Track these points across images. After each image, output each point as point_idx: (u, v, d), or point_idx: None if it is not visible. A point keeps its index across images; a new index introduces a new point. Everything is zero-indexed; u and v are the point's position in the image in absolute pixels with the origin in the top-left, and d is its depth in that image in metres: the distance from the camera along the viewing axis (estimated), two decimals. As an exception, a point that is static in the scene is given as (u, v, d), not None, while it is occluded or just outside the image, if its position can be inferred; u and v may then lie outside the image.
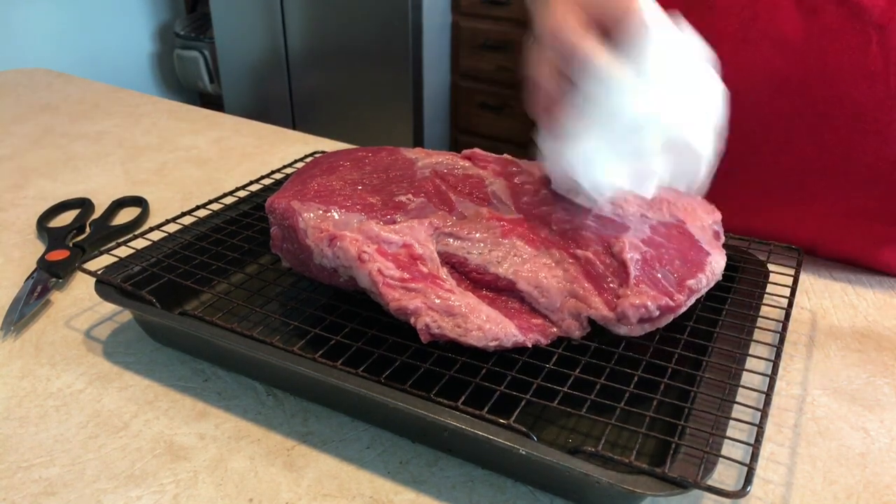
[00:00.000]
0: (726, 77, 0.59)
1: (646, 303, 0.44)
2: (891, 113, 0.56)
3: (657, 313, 0.44)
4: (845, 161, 0.60)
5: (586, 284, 0.46)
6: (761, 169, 0.62)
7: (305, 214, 0.49)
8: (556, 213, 0.50)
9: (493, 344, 0.43)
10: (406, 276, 0.45)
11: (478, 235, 0.49)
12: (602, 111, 0.42)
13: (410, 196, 0.52)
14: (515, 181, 0.55)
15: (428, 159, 0.57)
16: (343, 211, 0.49)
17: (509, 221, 0.50)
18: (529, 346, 0.44)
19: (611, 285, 0.45)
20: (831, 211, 0.62)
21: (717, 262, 0.48)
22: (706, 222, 0.52)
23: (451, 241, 0.49)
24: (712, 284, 0.48)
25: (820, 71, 0.58)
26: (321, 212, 0.49)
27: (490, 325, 0.43)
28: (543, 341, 0.45)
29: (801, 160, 0.61)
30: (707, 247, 0.49)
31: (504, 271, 0.47)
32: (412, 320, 0.44)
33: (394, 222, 0.49)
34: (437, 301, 0.44)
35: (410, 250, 0.48)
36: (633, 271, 0.45)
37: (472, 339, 0.42)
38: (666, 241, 0.48)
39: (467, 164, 0.58)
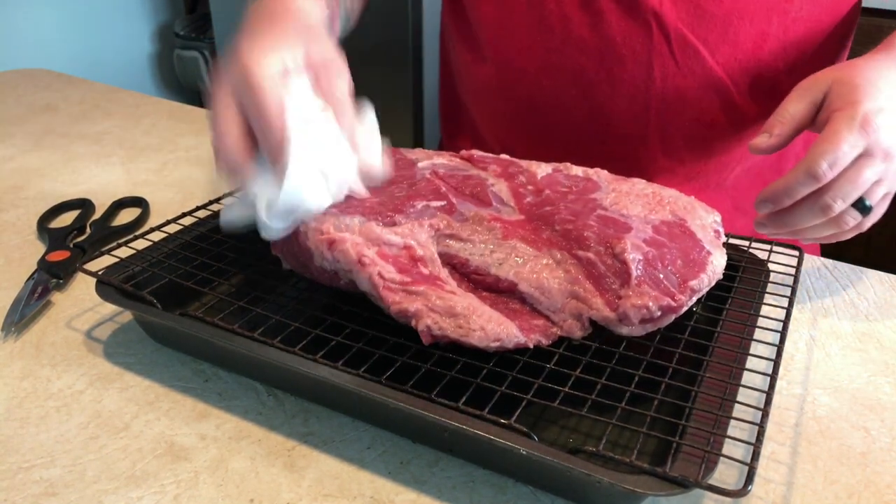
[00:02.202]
0: (549, 82, 0.69)
1: (647, 303, 0.44)
2: (685, 80, 0.66)
3: (658, 314, 0.44)
4: (661, 133, 0.69)
5: (588, 285, 0.46)
6: (589, 156, 0.70)
7: None
8: (558, 214, 0.50)
9: (494, 344, 0.43)
10: (407, 278, 0.45)
11: (479, 237, 0.49)
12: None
13: (411, 197, 0.52)
14: (517, 181, 0.55)
15: (428, 160, 0.57)
16: (343, 213, 0.49)
17: (510, 223, 0.50)
18: (531, 346, 0.44)
19: (612, 286, 0.45)
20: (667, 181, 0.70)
21: (718, 262, 0.48)
22: (706, 221, 0.52)
23: (452, 242, 0.49)
24: (713, 284, 0.48)
25: (619, 62, 0.66)
26: (321, 213, 0.49)
27: (492, 326, 0.43)
28: (545, 342, 0.45)
29: (630, 142, 0.70)
30: (708, 246, 0.49)
31: (505, 273, 0.47)
32: (413, 322, 0.44)
33: (394, 224, 0.49)
34: (439, 302, 0.44)
35: (411, 252, 0.48)
36: (635, 272, 0.45)
37: (475, 339, 0.42)
38: (668, 240, 0.48)
39: (468, 164, 0.57)
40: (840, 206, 0.48)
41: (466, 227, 0.50)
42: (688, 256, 0.47)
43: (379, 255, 0.46)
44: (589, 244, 0.47)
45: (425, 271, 0.47)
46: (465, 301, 0.44)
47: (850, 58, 0.56)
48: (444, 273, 0.48)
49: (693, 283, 0.46)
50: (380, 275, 0.45)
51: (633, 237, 0.47)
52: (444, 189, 0.53)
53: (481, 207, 0.52)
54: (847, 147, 0.47)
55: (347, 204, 0.50)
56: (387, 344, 0.45)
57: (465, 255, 0.48)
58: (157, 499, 0.40)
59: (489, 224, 0.50)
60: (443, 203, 0.52)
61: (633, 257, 0.45)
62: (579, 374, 0.43)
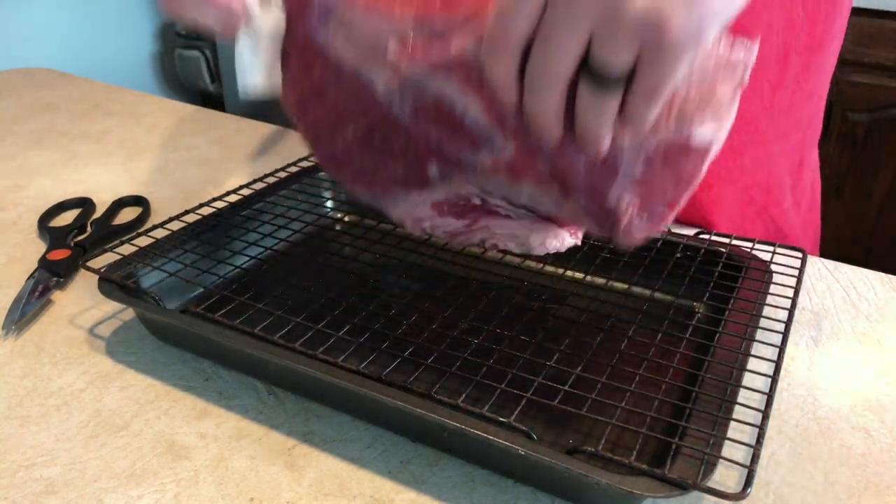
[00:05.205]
0: None
1: (639, 241, 0.42)
2: None
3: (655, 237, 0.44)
4: None
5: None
6: None
7: None
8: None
9: (553, 251, 0.46)
10: (467, 220, 0.47)
11: (491, 184, 0.46)
12: None
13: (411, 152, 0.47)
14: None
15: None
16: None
17: (509, 163, 0.43)
18: (579, 243, 0.47)
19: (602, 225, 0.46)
20: None
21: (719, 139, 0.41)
22: (728, 89, 0.39)
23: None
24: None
25: None
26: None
27: (549, 239, 0.46)
28: (579, 238, 0.47)
29: None
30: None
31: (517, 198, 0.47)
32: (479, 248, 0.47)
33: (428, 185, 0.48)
34: (500, 231, 0.46)
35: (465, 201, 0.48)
36: (622, 222, 0.42)
37: (538, 251, 0.46)
38: (660, 169, 0.41)
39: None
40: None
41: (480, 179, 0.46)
42: (680, 176, 0.41)
43: (434, 210, 0.47)
44: (574, 189, 0.42)
45: (477, 202, 0.47)
46: (522, 222, 0.46)
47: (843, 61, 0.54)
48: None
49: (682, 198, 0.41)
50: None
51: (619, 183, 0.41)
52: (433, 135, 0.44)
53: (473, 153, 0.43)
54: None
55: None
56: (387, 341, 0.45)
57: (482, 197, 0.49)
58: (157, 497, 0.40)
59: (494, 175, 0.44)
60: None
61: (616, 209, 0.41)
62: (579, 373, 0.43)
